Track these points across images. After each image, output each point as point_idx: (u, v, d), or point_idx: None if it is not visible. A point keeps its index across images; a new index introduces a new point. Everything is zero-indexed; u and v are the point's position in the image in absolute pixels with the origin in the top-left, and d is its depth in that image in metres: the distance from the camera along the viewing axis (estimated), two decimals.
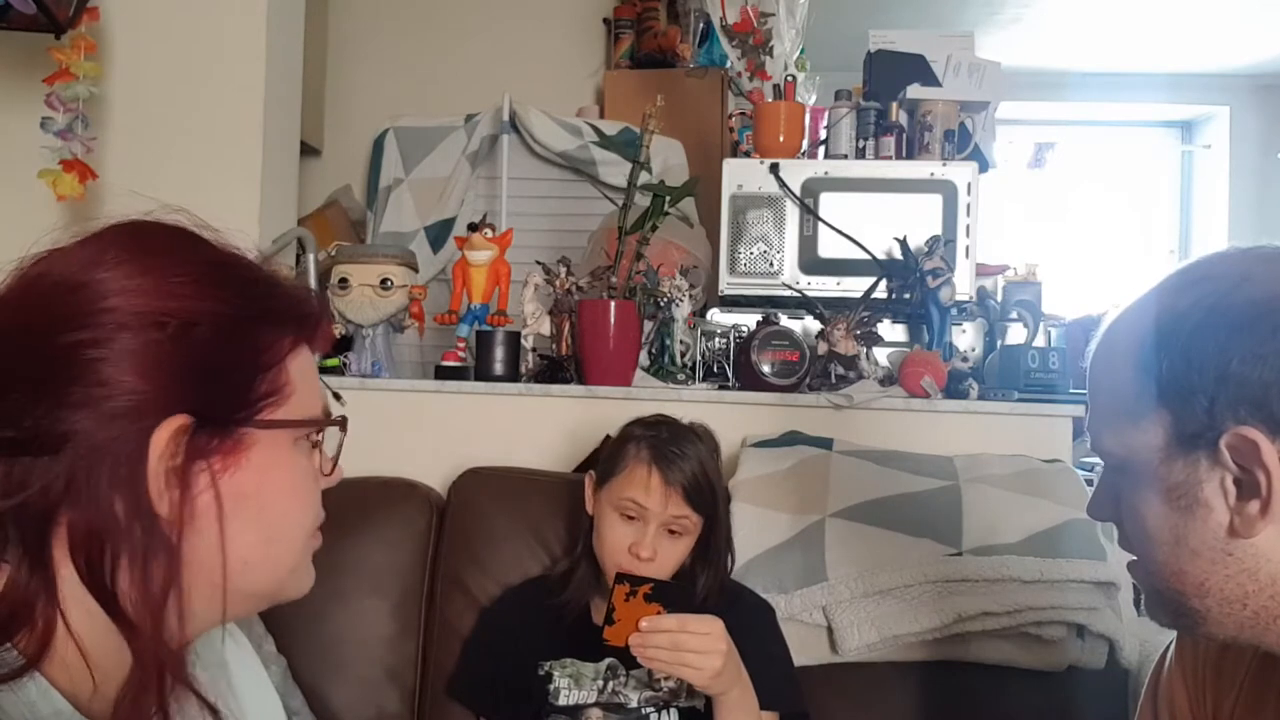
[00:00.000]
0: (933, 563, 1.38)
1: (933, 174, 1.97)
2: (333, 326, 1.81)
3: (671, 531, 1.26)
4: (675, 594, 1.20)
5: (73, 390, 0.56)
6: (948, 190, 1.96)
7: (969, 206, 1.96)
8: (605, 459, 1.33)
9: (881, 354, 1.81)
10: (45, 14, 1.71)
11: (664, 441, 1.27)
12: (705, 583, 1.31)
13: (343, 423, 0.69)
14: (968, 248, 1.95)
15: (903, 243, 1.88)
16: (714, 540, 1.32)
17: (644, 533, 1.25)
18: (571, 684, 1.30)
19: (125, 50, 1.98)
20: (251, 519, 0.62)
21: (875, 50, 2.15)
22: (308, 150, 2.88)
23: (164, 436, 0.58)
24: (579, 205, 2.71)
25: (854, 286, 1.90)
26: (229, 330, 0.62)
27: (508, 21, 3.22)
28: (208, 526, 0.60)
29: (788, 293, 1.93)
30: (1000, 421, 1.65)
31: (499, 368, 1.75)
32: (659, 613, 1.15)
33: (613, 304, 1.69)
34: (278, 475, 0.64)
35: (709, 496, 1.28)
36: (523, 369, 1.80)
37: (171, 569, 0.58)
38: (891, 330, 1.91)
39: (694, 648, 1.14)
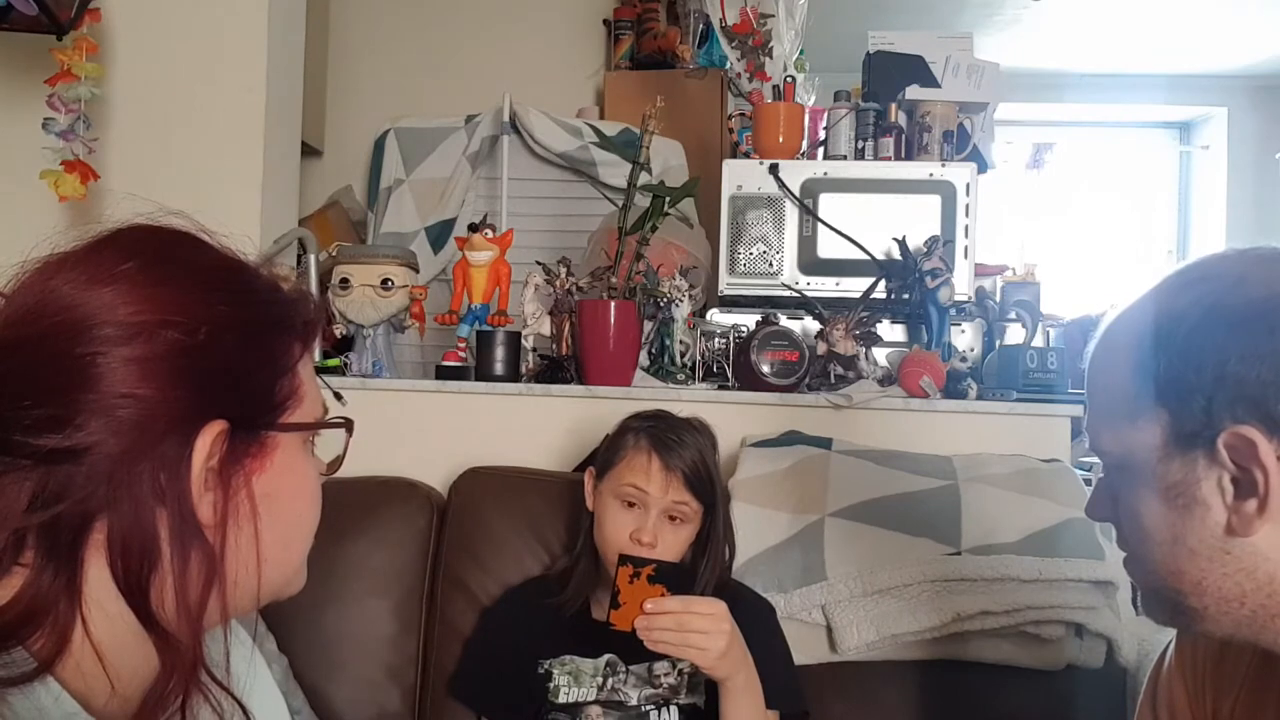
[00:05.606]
0: (932, 562, 1.39)
1: (931, 175, 1.98)
2: (333, 327, 1.83)
3: (672, 518, 1.27)
4: (679, 575, 1.20)
5: (108, 399, 0.56)
6: (946, 191, 1.97)
7: (968, 207, 1.97)
8: (604, 450, 1.34)
9: (880, 354, 1.82)
10: (47, 15, 1.71)
11: (663, 430, 1.29)
12: (705, 576, 1.31)
13: (349, 425, 0.71)
14: (966, 248, 1.96)
15: (901, 243, 1.88)
16: (714, 533, 1.33)
17: (645, 519, 1.26)
18: (571, 682, 1.30)
19: (127, 51, 1.98)
20: (275, 520, 0.64)
21: (874, 51, 2.16)
22: (309, 151, 2.88)
23: (206, 441, 0.59)
24: (579, 206, 2.71)
25: (853, 287, 1.90)
26: (251, 336, 0.63)
27: (508, 22, 3.22)
28: (243, 529, 0.61)
29: (787, 293, 1.94)
30: (999, 421, 1.66)
31: (499, 368, 1.75)
32: (663, 594, 1.16)
33: (613, 304, 1.69)
34: (294, 476, 0.66)
35: (709, 485, 1.29)
36: (523, 369, 1.80)
37: (211, 572, 0.59)
38: (890, 330, 1.91)
39: (699, 628, 1.14)
